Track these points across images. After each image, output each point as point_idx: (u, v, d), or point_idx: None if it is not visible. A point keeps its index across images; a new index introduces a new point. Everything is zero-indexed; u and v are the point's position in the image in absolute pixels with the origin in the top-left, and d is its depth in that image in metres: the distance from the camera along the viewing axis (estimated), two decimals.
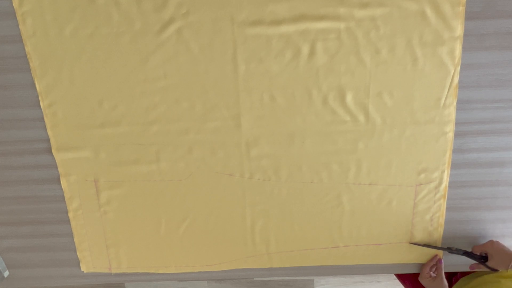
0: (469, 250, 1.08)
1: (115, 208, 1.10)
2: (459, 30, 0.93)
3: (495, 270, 1.03)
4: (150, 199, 1.08)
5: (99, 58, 0.96)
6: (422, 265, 1.13)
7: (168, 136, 1.02)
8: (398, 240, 1.11)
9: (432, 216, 1.09)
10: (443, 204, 1.08)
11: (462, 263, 1.11)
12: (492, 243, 1.05)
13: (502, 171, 1.06)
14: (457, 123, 1.01)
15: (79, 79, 0.98)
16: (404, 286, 1.32)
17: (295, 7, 0.92)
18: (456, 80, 0.97)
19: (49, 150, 1.05)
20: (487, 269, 1.04)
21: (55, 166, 1.06)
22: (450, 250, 1.08)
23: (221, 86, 0.98)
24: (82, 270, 1.17)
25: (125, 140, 1.03)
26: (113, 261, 1.16)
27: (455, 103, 0.99)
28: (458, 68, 0.96)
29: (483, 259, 1.05)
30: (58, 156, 1.05)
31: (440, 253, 1.12)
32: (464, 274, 1.15)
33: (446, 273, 1.10)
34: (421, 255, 1.13)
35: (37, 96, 1.00)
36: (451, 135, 1.01)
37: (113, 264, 1.16)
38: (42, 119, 1.02)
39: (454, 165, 1.05)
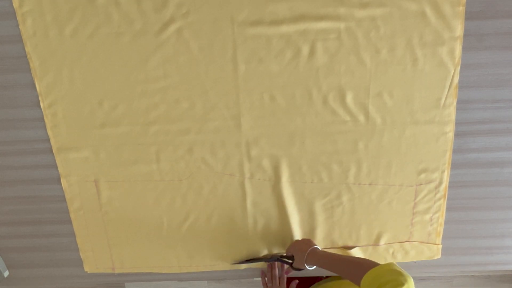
0: (284, 253, 1.08)
1: (116, 208, 1.10)
2: (459, 30, 0.93)
3: (300, 270, 1.01)
4: (151, 199, 1.08)
5: (99, 58, 0.96)
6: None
7: (168, 136, 1.02)
8: (398, 240, 1.11)
9: (432, 216, 1.09)
10: (443, 204, 1.08)
11: None
12: (294, 243, 1.04)
13: (502, 171, 1.06)
14: (457, 123, 1.01)
15: (79, 79, 0.98)
16: None
17: (295, 7, 0.92)
18: (456, 80, 0.97)
19: (49, 150, 1.05)
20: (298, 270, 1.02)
21: (55, 166, 1.06)
22: (266, 259, 1.09)
23: (221, 86, 0.98)
24: (85, 270, 1.18)
25: (125, 140, 1.03)
26: (116, 261, 1.16)
27: (455, 103, 0.99)
28: (458, 68, 0.96)
29: (292, 260, 1.04)
30: (58, 156, 1.05)
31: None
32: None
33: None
34: (417, 253, 1.13)
35: (37, 96, 1.00)
36: (451, 135, 1.01)
37: (116, 264, 1.16)
38: (42, 119, 1.02)
39: (454, 165, 1.05)
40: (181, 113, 1.00)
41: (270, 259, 1.08)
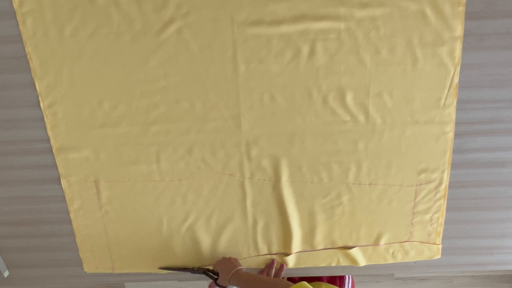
0: (211, 268, 1.09)
1: (116, 208, 1.10)
2: (459, 30, 0.93)
3: (224, 287, 1.02)
4: (151, 199, 1.08)
5: (99, 58, 0.96)
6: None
7: (168, 136, 1.02)
8: (398, 240, 1.12)
9: (432, 216, 1.09)
10: (443, 204, 1.08)
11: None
12: (222, 260, 1.05)
13: (502, 171, 1.06)
14: (457, 123, 1.01)
15: (79, 79, 0.98)
16: None
17: (295, 7, 0.92)
18: (456, 80, 0.97)
19: (49, 150, 1.05)
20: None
21: (55, 166, 1.06)
22: (192, 270, 1.11)
23: (221, 86, 0.98)
24: (85, 270, 1.17)
25: (125, 140, 1.03)
26: (116, 261, 1.16)
27: (455, 103, 0.99)
28: (458, 68, 0.96)
29: (216, 276, 1.05)
30: (58, 156, 1.05)
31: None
32: None
33: None
34: (417, 253, 1.13)
35: (37, 96, 1.00)
36: (451, 135, 1.01)
37: (116, 264, 1.16)
38: (42, 119, 1.02)
39: (454, 165, 1.05)
40: (181, 113, 1.00)
41: (197, 271, 1.11)
